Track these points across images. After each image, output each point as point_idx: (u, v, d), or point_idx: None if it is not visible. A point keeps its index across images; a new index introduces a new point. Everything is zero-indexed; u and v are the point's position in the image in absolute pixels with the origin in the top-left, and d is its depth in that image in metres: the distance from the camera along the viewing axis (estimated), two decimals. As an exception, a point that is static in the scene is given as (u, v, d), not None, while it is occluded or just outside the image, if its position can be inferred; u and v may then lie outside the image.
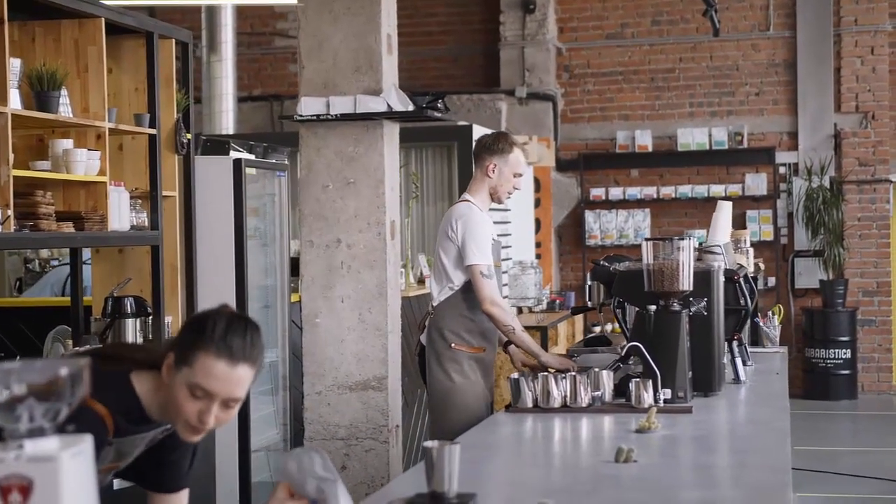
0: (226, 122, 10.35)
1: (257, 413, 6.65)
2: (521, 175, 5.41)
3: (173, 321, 5.87)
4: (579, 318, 11.25)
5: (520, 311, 9.93)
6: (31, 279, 8.44)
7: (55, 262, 8.63)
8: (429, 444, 2.73)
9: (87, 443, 1.83)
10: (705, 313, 4.50)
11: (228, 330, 2.53)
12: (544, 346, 8.17)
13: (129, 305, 5.49)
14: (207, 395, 2.52)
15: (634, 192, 12.76)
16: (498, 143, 5.36)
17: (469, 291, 5.21)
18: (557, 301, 11.26)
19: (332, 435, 5.65)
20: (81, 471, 1.80)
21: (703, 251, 5.21)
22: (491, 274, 5.14)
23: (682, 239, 4.42)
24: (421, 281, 8.17)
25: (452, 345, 5.24)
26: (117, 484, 4.37)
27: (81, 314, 5.68)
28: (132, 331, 5.48)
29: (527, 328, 8.54)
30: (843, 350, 12.15)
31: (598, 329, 12.17)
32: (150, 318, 5.64)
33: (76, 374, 1.82)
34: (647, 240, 4.45)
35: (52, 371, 1.80)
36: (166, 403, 2.60)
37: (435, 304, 5.35)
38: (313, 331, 5.66)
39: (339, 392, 5.67)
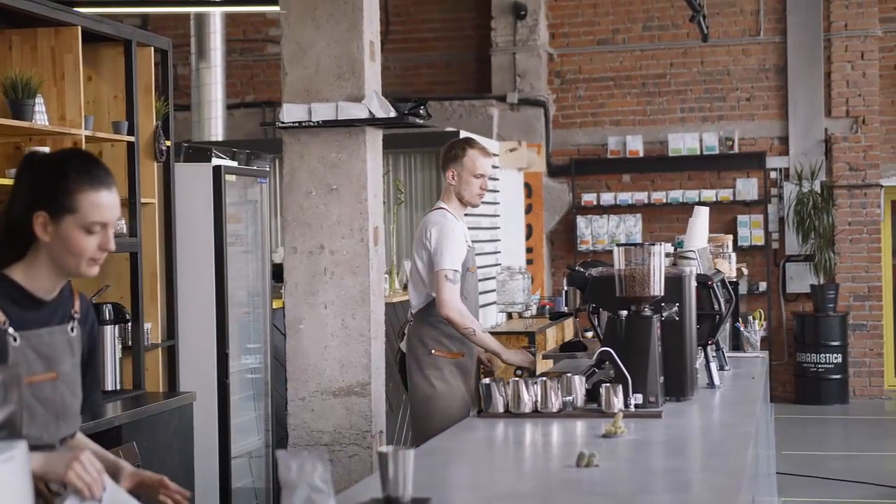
0: (215, 128, 10.37)
1: (239, 418, 6.66)
2: (483, 175, 5.45)
3: (153, 328, 5.88)
4: (569, 324, 11.25)
5: (509, 316, 9.94)
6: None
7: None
8: (383, 449, 2.75)
9: (20, 449, 1.84)
10: (677, 318, 4.51)
11: (87, 165, 2.67)
12: (532, 353, 8.19)
13: (107, 312, 5.49)
14: (102, 226, 2.67)
15: (626, 197, 12.77)
16: (451, 150, 5.50)
17: None
18: (548, 306, 11.28)
19: (315, 441, 5.66)
20: (14, 475, 1.82)
21: (677, 256, 5.22)
22: (455, 279, 5.21)
23: (654, 244, 4.43)
24: (406, 287, 8.17)
25: (433, 351, 5.31)
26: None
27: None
28: (110, 338, 5.49)
29: (515, 333, 8.59)
30: (835, 354, 12.15)
31: (590, 334, 12.19)
32: (129, 324, 5.66)
33: (7, 381, 1.83)
34: (618, 245, 4.47)
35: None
36: (54, 260, 2.66)
37: (414, 311, 5.40)
38: (296, 337, 5.68)
39: (322, 398, 5.68)
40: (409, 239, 10.02)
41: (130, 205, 5.69)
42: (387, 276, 8.09)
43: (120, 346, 5.59)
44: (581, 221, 12.84)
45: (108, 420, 4.72)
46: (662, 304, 4.47)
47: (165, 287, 6.07)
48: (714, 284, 5.03)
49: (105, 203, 2.67)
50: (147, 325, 5.75)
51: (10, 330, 2.64)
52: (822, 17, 12.50)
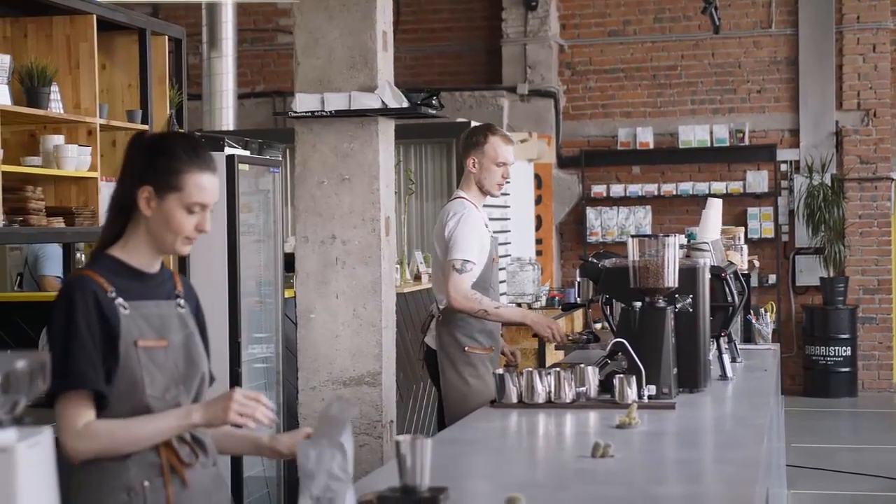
0: (226, 118, 10.38)
1: (251, 408, 6.66)
2: (505, 164, 5.29)
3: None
4: (579, 315, 11.26)
5: (518, 307, 9.94)
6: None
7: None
8: (400, 438, 2.75)
9: (45, 434, 1.85)
10: (690, 310, 4.51)
11: (195, 148, 2.81)
12: (542, 343, 8.17)
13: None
14: (202, 207, 2.79)
15: (636, 189, 12.76)
16: (472, 137, 5.32)
17: (477, 291, 5.17)
18: (557, 298, 11.27)
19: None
20: (39, 462, 1.82)
21: (691, 248, 5.21)
22: (463, 269, 5.09)
23: (668, 236, 4.43)
24: (417, 277, 8.19)
25: (466, 348, 5.19)
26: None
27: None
28: (124, 326, 5.50)
29: (525, 325, 8.47)
30: (844, 347, 12.15)
31: (598, 326, 12.19)
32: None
33: (34, 367, 1.84)
34: (632, 236, 4.47)
35: (9, 364, 1.83)
36: (153, 236, 2.79)
37: (443, 306, 5.25)
38: (308, 326, 5.68)
39: (333, 387, 5.69)
40: (419, 229, 10.03)
41: (144, 194, 5.70)
42: (398, 266, 8.09)
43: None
44: (591, 213, 12.84)
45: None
46: (676, 295, 4.47)
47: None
48: (727, 276, 5.03)
49: (208, 186, 2.80)
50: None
51: (119, 300, 2.76)
52: (834, 10, 12.47)
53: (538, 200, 12.29)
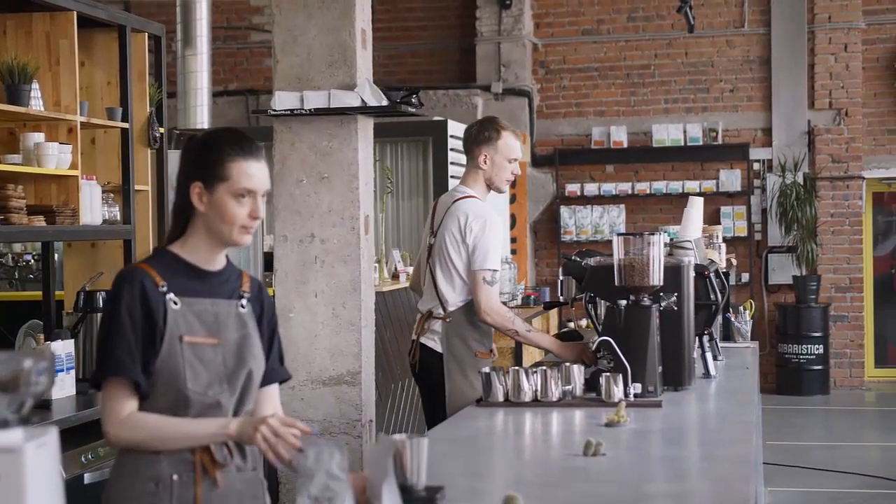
0: (200, 116, 10.30)
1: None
2: (516, 159, 5.13)
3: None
4: (554, 314, 11.28)
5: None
6: (4, 273, 8.40)
7: (28, 257, 8.59)
8: (397, 437, 2.74)
9: (51, 434, 1.83)
10: (675, 308, 4.52)
11: (238, 138, 2.90)
12: (518, 344, 8.15)
13: (101, 300, 5.46)
14: (251, 193, 2.85)
15: (609, 187, 12.79)
16: (483, 132, 5.12)
17: None
18: (532, 296, 11.29)
19: (304, 430, 5.65)
20: (47, 462, 1.81)
21: (674, 246, 5.22)
22: (493, 280, 4.93)
23: (653, 234, 4.43)
24: (395, 276, 8.18)
25: (477, 354, 5.05)
26: (88, 478, 4.36)
27: (53, 308, 5.66)
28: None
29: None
30: (816, 345, 12.22)
31: (571, 324, 12.21)
32: (123, 312, 5.62)
33: (40, 367, 1.82)
34: (618, 235, 4.47)
35: (16, 363, 1.81)
36: (210, 230, 2.86)
37: (451, 308, 5.06)
38: (287, 325, 5.65)
39: (312, 387, 5.67)
40: (395, 228, 10.01)
41: (124, 192, 5.66)
42: (376, 265, 8.07)
43: (113, 333, 5.56)
44: (565, 212, 12.86)
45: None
46: (661, 293, 4.48)
47: (158, 275, 6.04)
48: (710, 275, 5.05)
49: (254, 171, 2.87)
50: (140, 313, 5.70)
51: (171, 295, 2.83)
52: (806, 9, 12.55)
53: (512, 199, 12.30)
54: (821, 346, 12.23)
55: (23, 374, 1.79)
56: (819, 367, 12.26)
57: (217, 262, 2.94)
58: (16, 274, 8.42)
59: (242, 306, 2.95)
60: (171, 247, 2.91)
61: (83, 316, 5.47)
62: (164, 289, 2.83)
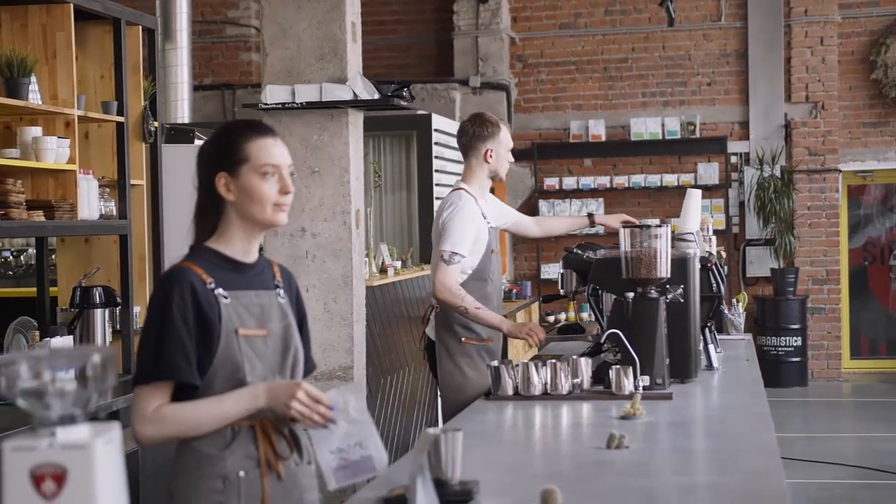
0: (181, 110, 10.24)
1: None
2: (511, 147, 5.46)
3: (142, 311, 5.80)
4: (535, 308, 11.29)
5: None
6: (3, 268, 8.32)
7: (7, 253, 8.52)
8: (432, 430, 2.72)
9: (116, 430, 1.81)
10: (682, 300, 4.52)
11: (247, 123, 2.92)
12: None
13: (97, 295, 5.41)
14: (275, 168, 2.84)
15: (588, 181, 12.81)
16: (485, 129, 5.31)
17: (474, 282, 5.14)
18: (514, 291, 11.31)
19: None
20: (113, 457, 1.79)
21: (676, 238, 5.22)
22: (451, 261, 5.06)
23: (660, 226, 4.43)
24: (383, 270, 8.14)
25: (463, 339, 5.17)
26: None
27: (48, 305, 5.60)
28: (101, 321, 5.41)
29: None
30: (794, 338, 12.29)
31: (552, 318, 12.23)
32: (119, 308, 5.58)
33: (107, 361, 1.79)
34: (624, 226, 4.46)
35: (83, 358, 1.78)
36: (243, 216, 2.84)
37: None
38: (280, 320, 5.61)
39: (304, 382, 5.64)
40: (384, 222, 9.97)
41: (120, 186, 5.60)
42: (365, 260, 8.04)
43: (110, 330, 5.51)
44: (543, 205, 12.86)
45: (108, 405, 4.66)
46: (667, 286, 4.48)
47: (153, 270, 5.99)
48: (713, 266, 5.06)
49: (272, 146, 2.86)
50: (136, 309, 5.67)
51: (219, 290, 2.82)
52: (783, 3, 12.60)
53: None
54: (799, 338, 12.30)
55: (91, 368, 1.77)
56: (797, 360, 12.33)
57: (252, 254, 2.93)
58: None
59: (281, 296, 2.93)
60: (208, 243, 2.89)
61: (79, 312, 5.42)
62: (212, 285, 2.81)
